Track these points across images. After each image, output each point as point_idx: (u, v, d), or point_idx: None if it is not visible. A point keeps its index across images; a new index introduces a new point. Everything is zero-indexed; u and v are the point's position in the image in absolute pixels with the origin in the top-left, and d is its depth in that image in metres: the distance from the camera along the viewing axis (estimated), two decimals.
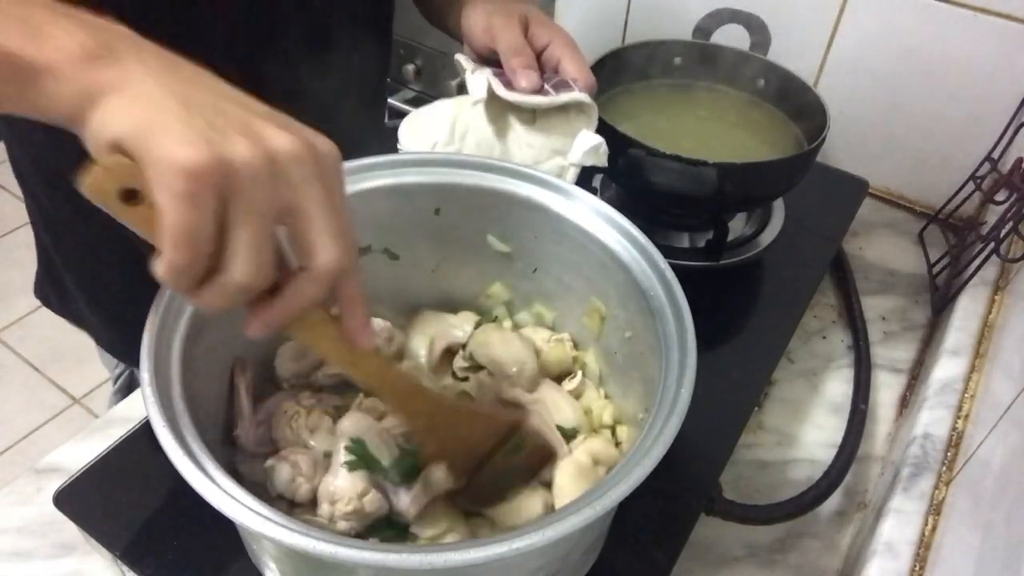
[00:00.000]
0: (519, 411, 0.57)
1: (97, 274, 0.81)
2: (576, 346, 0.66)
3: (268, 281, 0.37)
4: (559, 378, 0.63)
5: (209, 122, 0.34)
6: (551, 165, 0.66)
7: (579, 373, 0.63)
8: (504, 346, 0.61)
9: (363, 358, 0.45)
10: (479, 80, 0.65)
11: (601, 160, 0.65)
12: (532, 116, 0.65)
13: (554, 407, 0.59)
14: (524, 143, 0.66)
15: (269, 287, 0.38)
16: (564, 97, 0.63)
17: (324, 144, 0.38)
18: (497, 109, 0.65)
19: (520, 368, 0.60)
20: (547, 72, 0.68)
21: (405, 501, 0.50)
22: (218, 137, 0.34)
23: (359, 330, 0.42)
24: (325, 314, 0.42)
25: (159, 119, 0.33)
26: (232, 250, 0.35)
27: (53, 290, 0.86)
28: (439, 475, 0.51)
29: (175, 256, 0.34)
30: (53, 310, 0.89)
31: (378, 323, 0.63)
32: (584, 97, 0.64)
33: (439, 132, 0.66)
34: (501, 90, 0.64)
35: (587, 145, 0.64)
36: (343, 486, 0.50)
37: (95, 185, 0.34)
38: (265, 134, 0.35)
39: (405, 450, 0.52)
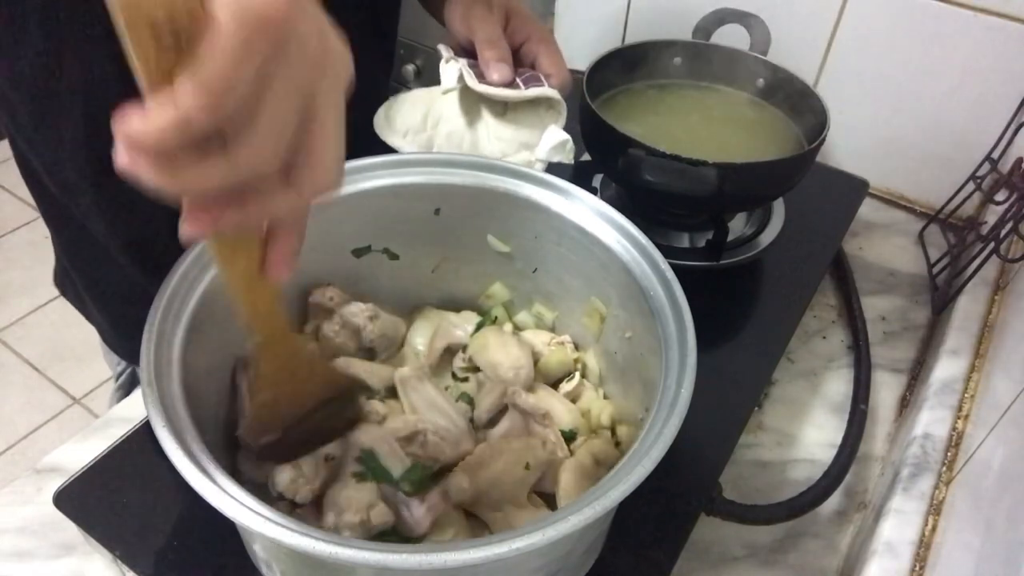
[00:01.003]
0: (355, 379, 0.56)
1: (101, 275, 0.81)
2: (576, 347, 0.66)
3: (273, 170, 0.32)
4: (559, 380, 0.63)
5: None
6: (519, 159, 0.66)
7: (576, 375, 0.63)
8: (502, 350, 0.61)
9: (261, 290, 0.42)
10: (451, 70, 0.66)
11: (568, 157, 0.65)
12: (503, 109, 0.65)
13: (550, 411, 0.59)
14: (494, 135, 0.66)
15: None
16: (532, 92, 0.64)
17: (347, 63, 0.35)
18: (470, 100, 0.66)
19: (516, 373, 0.60)
20: (524, 66, 0.68)
21: (419, 512, 0.50)
22: None
23: (284, 259, 0.38)
24: (252, 240, 0.38)
25: None
26: (254, 124, 0.30)
27: (69, 282, 0.86)
28: (462, 484, 0.51)
29: (199, 105, 0.28)
30: (69, 301, 0.89)
31: (359, 305, 0.63)
32: (552, 93, 0.65)
33: (411, 120, 0.67)
34: (472, 81, 0.64)
35: (554, 141, 0.64)
36: (350, 496, 0.50)
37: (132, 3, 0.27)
38: (325, 27, 0.33)
39: (416, 461, 0.52)
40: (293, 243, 0.38)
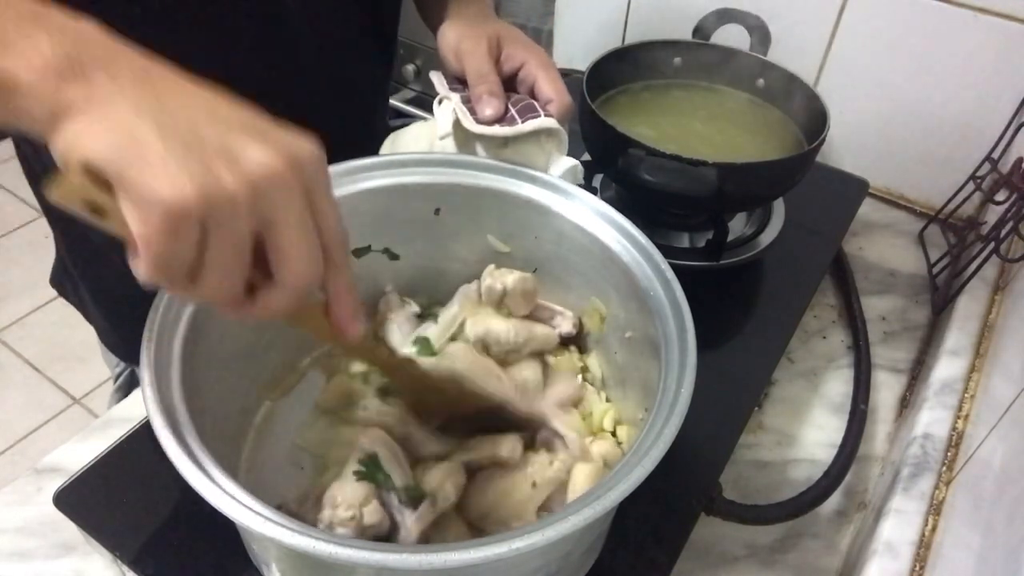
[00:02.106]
0: (500, 400, 0.59)
1: (102, 275, 0.81)
2: (580, 349, 0.66)
3: (237, 292, 0.38)
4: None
5: (187, 147, 0.33)
6: None
7: (579, 378, 0.63)
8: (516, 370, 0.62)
9: (353, 344, 0.47)
10: (445, 112, 0.64)
11: (578, 179, 0.64)
12: (503, 142, 0.64)
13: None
14: None
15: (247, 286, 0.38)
16: (530, 125, 0.62)
17: (305, 150, 0.37)
18: (467, 135, 0.64)
19: (524, 388, 0.61)
20: (523, 92, 0.66)
21: (409, 520, 0.50)
22: (199, 168, 0.33)
23: (346, 322, 0.43)
24: (316, 304, 0.43)
25: (135, 148, 0.33)
26: (207, 268, 0.35)
27: (68, 280, 0.86)
28: (448, 490, 0.51)
29: (153, 272, 0.35)
30: (67, 299, 0.89)
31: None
32: (550, 123, 0.63)
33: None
34: (468, 122, 0.63)
35: (563, 169, 0.63)
36: (346, 492, 0.50)
37: (64, 196, 0.33)
38: (245, 155, 0.35)
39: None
40: (344, 308, 0.42)
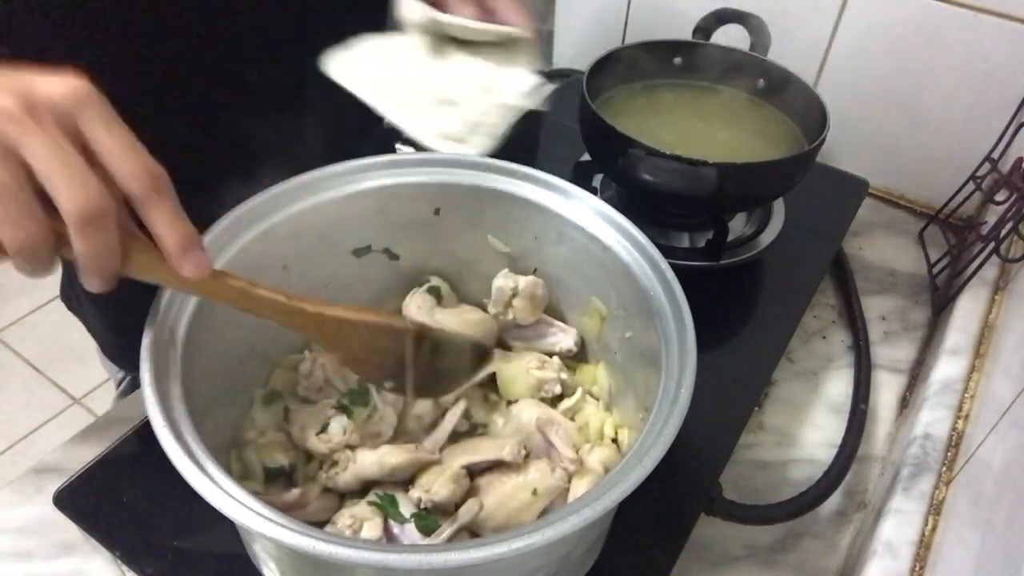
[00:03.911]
0: (406, 323, 0.55)
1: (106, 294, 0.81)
2: (579, 355, 0.66)
3: (37, 239, 0.37)
4: (557, 398, 0.63)
5: None
6: (480, 103, 0.60)
7: (578, 390, 0.63)
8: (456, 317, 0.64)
9: (213, 284, 0.44)
10: (412, 5, 0.60)
11: (544, 104, 0.59)
12: (475, 48, 0.60)
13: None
14: (462, 79, 0.61)
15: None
16: (504, 29, 0.58)
17: (51, 86, 0.37)
18: (433, 43, 0.61)
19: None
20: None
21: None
22: None
23: (178, 258, 0.41)
24: (148, 246, 0.41)
25: None
26: None
27: (74, 294, 0.86)
28: (472, 507, 0.52)
29: None
30: (74, 313, 0.89)
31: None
32: (521, 31, 0.59)
33: (375, 71, 0.62)
34: (440, 15, 0.59)
35: (525, 85, 0.60)
36: (355, 512, 0.51)
37: None
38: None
39: (429, 510, 0.53)
40: (171, 242, 0.40)
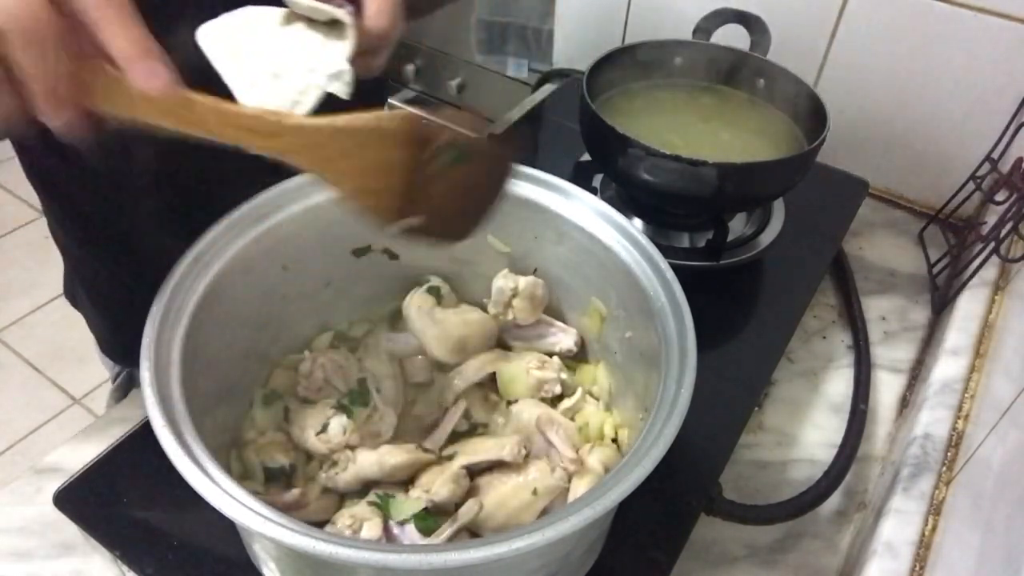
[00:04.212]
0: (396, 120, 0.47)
1: (101, 281, 0.81)
2: (579, 355, 0.66)
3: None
4: (560, 397, 0.63)
5: None
6: (297, 83, 0.57)
7: (578, 390, 0.63)
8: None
9: (181, 105, 0.40)
10: None
11: (343, 91, 0.55)
12: (310, 29, 0.59)
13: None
14: (292, 55, 0.60)
15: None
16: (325, 7, 0.57)
17: None
18: (288, 16, 0.60)
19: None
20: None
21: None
22: None
23: (132, 68, 0.36)
24: (108, 70, 0.37)
25: None
26: None
27: (75, 288, 0.86)
28: (472, 507, 0.51)
29: None
30: (76, 308, 0.89)
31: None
32: (340, 13, 0.55)
33: (237, 39, 0.61)
34: None
35: (334, 68, 0.59)
36: (354, 512, 0.51)
37: None
38: None
39: (429, 510, 0.53)
40: (128, 54, 0.36)
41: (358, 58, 0.52)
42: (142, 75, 0.37)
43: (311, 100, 0.57)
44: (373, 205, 0.47)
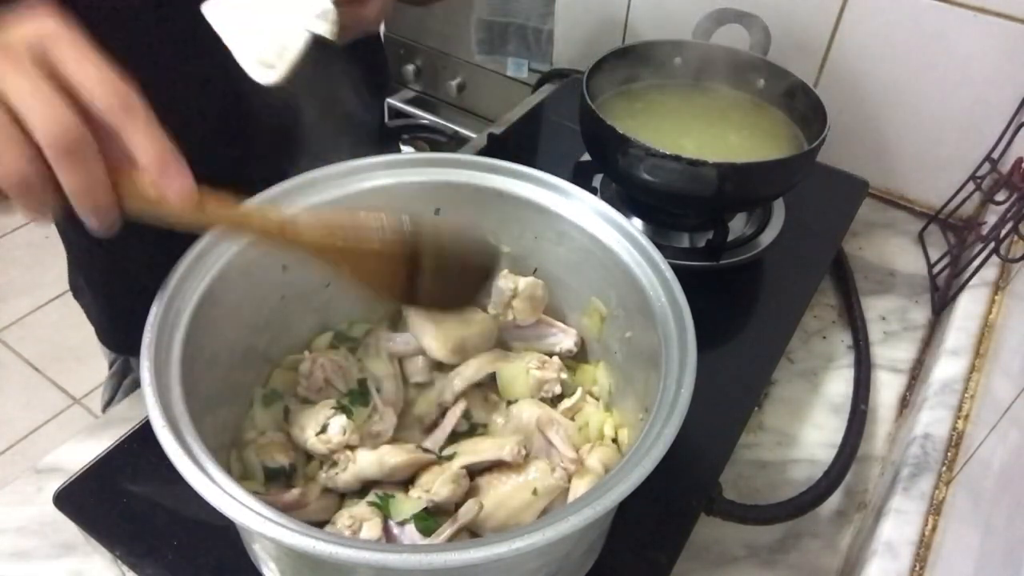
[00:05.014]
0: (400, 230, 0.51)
1: (102, 266, 0.81)
2: (579, 355, 0.65)
3: (18, 169, 0.37)
4: (560, 396, 0.63)
5: None
6: (291, 28, 0.55)
7: (578, 390, 0.63)
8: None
9: (209, 211, 0.43)
10: None
11: (329, 31, 0.55)
12: None
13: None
14: (278, 2, 0.59)
15: None
16: None
17: (24, 29, 0.38)
18: None
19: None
20: None
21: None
22: None
23: (161, 181, 0.40)
24: (138, 176, 0.40)
25: None
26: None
27: (79, 281, 0.86)
28: (472, 507, 0.51)
29: None
30: (78, 301, 0.89)
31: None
32: None
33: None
34: None
35: (317, 8, 0.58)
36: (354, 512, 0.51)
37: None
38: None
39: (429, 510, 0.53)
40: (151, 163, 0.39)
41: (347, 6, 0.54)
42: (169, 183, 0.40)
43: (298, 44, 0.57)
44: (378, 293, 0.53)
